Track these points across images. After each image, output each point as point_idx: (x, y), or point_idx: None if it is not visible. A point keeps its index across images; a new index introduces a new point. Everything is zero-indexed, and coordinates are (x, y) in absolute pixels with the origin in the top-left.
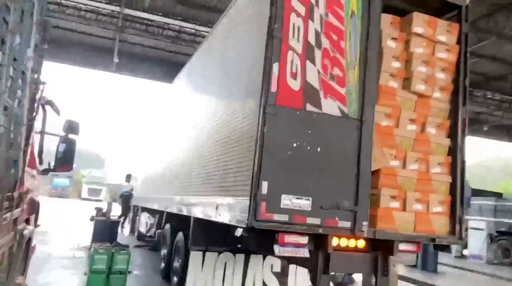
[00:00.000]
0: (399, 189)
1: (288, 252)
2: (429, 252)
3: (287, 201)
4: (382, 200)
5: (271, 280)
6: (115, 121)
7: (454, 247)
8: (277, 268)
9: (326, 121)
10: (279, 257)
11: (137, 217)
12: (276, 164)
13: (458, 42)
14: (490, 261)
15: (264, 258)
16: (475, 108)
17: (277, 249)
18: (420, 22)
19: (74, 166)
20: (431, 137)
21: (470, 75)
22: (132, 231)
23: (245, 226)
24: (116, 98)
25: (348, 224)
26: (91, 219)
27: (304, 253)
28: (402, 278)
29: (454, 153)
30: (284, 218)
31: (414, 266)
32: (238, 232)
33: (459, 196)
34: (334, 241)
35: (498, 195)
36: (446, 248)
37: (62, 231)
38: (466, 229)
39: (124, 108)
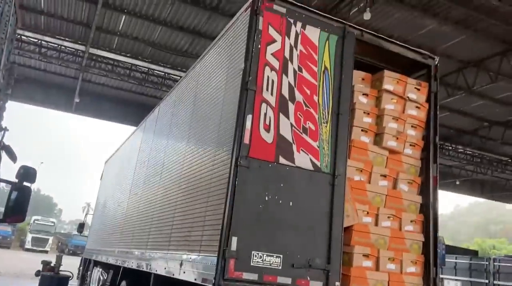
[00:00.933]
0: (371, 247)
1: None
2: None
3: (257, 258)
4: (355, 258)
5: None
6: (73, 162)
7: None
8: None
9: (298, 175)
10: None
11: (88, 272)
12: (247, 218)
13: (428, 100)
14: None
15: None
16: (447, 162)
17: None
18: (390, 79)
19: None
20: (403, 194)
21: (441, 129)
22: None
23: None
24: (79, 139)
25: (320, 285)
26: (37, 274)
27: None
28: None
29: (426, 210)
30: (254, 276)
31: None
32: None
33: (432, 255)
34: None
35: (473, 253)
36: None
37: None
38: None
39: (87, 149)
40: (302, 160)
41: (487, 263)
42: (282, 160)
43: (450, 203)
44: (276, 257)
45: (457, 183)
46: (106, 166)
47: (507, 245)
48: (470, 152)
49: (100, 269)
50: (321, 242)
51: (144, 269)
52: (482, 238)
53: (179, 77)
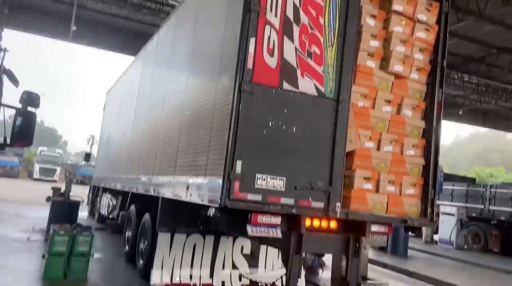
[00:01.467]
0: (372, 171)
1: (261, 232)
2: (400, 237)
3: (261, 180)
4: (355, 181)
5: (241, 262)
6: (75, 94)
7: (424, 233)
8: (247, 250)
9: (302, 100)
10: (250, 238)
11: (97, 198)
12: (251, 142)
13: (438, 22)
14: (459, 247)
15: (234, 240)
16: (452, 91)
17: (249, 229)
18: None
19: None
20: (407, 119)
21: (448, 57)
22: (91, 213)
23: (217, 206)
24: (79, 70)
25: (321, 205)
26: (47, 200)
27: (277, 233)
28: (373, 262)
29: (429, 135)
30: (258, 197)
31: (385, 251)
32: (210, 212)
33: (431, 178)
34: (307, 222)
35: (471, 181)
36: (416, 230)
37: (13, 212)
38: (438, 214)
39: (88, 80)
40: (306, 85)
41: (484, 189)
42: (286, 85)
43: (450, 133)
44: (280, 179)
45: (460, 112)
46: (108, 96)
47: (504, 173)
48: (476, 81)
49: (109, 195)
50: (323, 165)
51: (152, 194)
52: (480, 167)
53: (177, 3)
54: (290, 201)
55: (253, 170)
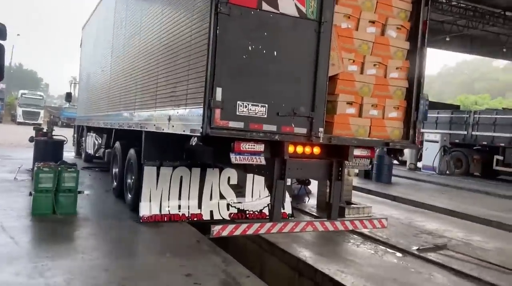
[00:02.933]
0: (355, 95)
1: (245, 160)
2: (384, 165)
3: (242, 107)
4: (339, 106)
5: (228, 192)
6: (54, 35)
7: (408, 160)
8: (234, 181)
9: (283, 22)
10: (235, 167)
11: (83, 138)
12: (230, 69)
13: None
14: (442, 172)
15: (220, 171)
16: (439, 17)
17: (233, 157)
18: None
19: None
20: (391, 40)
21: None
22: (78, 153)
23: (199, 135)
24: (55, 8)
25: (304, 131)
26: (31, 140)
27: (261, 160)
28: (358, 189)
29: (413, 57)
30: (240, 125)
31: (370, 179)
32: (193, 142)
33: (414, 101)
34: (290, 148)
35: (455, 108)
36: (399, 153)
37: None
38: (422, 142)
39: (65, 19)
40: (287, 5)
41: (467, 115)
42: (265, 6)
43: (438, 63)
44: (261, 106)
45: (447, 39)
46: (84, 32)
47: (489, 101)
48: (464, 5)
49: (94, 134)
50: (305, 91)
51: (135, 128)
52: (465, 95)
53: None
54: (273, 128)
55: (234, 97)
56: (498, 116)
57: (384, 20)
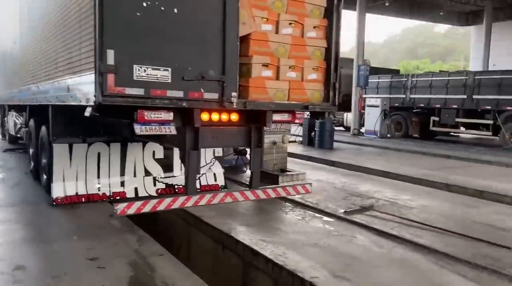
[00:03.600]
0: (271, 56)
1: (152, 130)
2: (326, 130)
3: (141, 72)
4: (253, 68)
5: (154, 167)
6: None
7: (352, 126)
8: (160, 155)
9: None
10: (146, 139)
11: (5, 119)
12: (123, 28)
13: None
14: (383, 136)
15: (144, 146)
16: None
17: (137, 128)
18: None
19: None
20: None
21: None
22: (3, 134)
23: (93, 104)
24: None
25: (215, 96)
26: None
27: (170, 130)
28: (299, 156)
29: (330, 14)
30: (139, 91)
31: (313, 146)
32: (88, 113)
33: (333, 61)
34: (204, 116)
35: (395, 72)
36: (320, 116)
37: None
38: (364, 107)
39: None
40: None
41: (406, 79)
42: None
43: (384, 31)
44: (164, 70)
45: (387, 4)
46: None
47: (429, 65)
48: None
49: (14, 113)
50: (214, 52)
51: (42, 103)
52: (407, 61)
53: None
54: (179, 94)
55: (130, 60)
56: (434, 78)
57: None
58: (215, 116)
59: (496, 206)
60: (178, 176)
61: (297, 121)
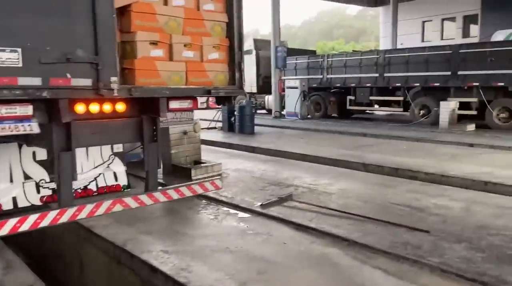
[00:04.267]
0: (161, 32)
1: (6, 130)
2: (246, 115)
3: None
4: (139, 47)
5: (36, 171)
6: None
7: (273, 109)
8: (42, 156)
9: None
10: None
11: None
12: None
13: None
14: (304, 117)
15: (20, 147)
16: None
17: None
18: None
19: None
20: None
21: None
22: None
23: None
24: None
25: (88, 82)
26: None
27: (31, 128)
28: (218, 143)
29: None
30: None
31: (234, 131)
32: None
33: (237, 38)
34: (80, 107)
35: (312, 53)
36: (227, 101)
37: None
38: (284, 89)
39: None
40: None
41: (322, 59)
42: None
43: (300, 14)
44: (11, 51)
45: None
46: None
47: (343, 46)
48: None
49: None
50: (82, 28)
51: None
52: (324, 42)
53: None
54: (36, 81)
55: None
56: (348, 58)
57: None
58: (94, 108)
59: (412, 184)
60: None
61: (216, 106)
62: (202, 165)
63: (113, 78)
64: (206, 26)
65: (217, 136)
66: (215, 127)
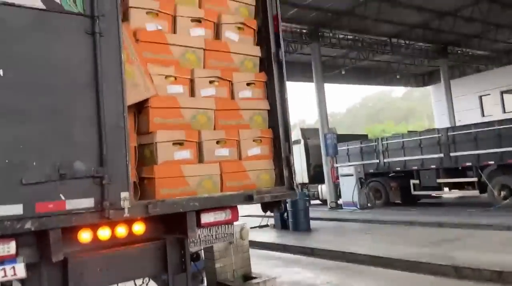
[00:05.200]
0: (187, 129)
1: None
2: (299, 210)
3: None
4: (159, 150)
5: None
6: None
7: (328, 199)
8: None
9: (17, 19)
10: None
11: None
12: None
13: None
14: (363, 206)
15: None
16: (330, 52)
17: None
18: None
19: None
20: (232, 45)
21: (316, 13)
22: None
23: None
24: None
25: (89, 202)
26: None
27: (15, 272)
28: (272, 246)
29: (269, 64)
30: None
31: (288, 229)
32: None
33: (282, 127)
34: (85, 235)
35: (363, 137)
36: (277, 206)
37: None
38: (338, 177)
39: None
40: None
41: (376, 143)
42: None
43: (344, 101)
44: None
45: (343, 72)
46: None
47: (394, 126)
48: (351, 37)
49: None
50: (81, 132)
51: None
52: (372, 125)
53: None
54: (15, 209)
55: None
56: (405, 139)
57: (216, 18)
58: (104, 233)
59: None
60: None
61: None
62: (253, 282)
63: (124, 194)
64: (244, 117)
65: (270, 236)
66: (267, 225)
